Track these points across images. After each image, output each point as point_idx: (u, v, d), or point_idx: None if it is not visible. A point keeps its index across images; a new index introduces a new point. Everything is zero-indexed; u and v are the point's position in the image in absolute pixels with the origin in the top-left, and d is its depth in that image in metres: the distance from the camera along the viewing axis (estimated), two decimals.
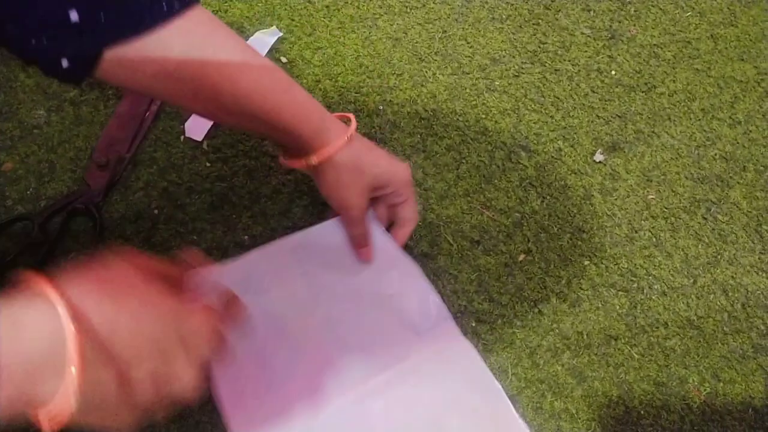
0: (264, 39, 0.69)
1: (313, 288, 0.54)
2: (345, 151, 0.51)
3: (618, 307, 0.59)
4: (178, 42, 0.42)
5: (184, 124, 0.62)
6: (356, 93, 0.68)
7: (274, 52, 0.69)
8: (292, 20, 0.72)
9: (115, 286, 0.34)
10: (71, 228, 0.56)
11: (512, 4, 0.77)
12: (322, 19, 0.73)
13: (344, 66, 0.70)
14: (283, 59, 0.69)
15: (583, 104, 0.70)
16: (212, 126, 0.63)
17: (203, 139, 0.62)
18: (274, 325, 0.52)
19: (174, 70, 0.43)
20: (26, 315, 0.30)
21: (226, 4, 0.72)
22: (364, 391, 0.50)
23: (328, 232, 0.56)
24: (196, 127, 0.62)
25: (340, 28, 0.72)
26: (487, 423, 0.51)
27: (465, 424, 0.50)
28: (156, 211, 0.58)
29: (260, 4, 0.73)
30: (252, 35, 0.69)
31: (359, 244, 0.55)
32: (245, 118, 0.47)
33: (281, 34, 0.70)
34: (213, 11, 0.71)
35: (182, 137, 0.62)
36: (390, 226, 0.57)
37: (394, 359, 0.52)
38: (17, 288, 0.31)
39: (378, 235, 0.56)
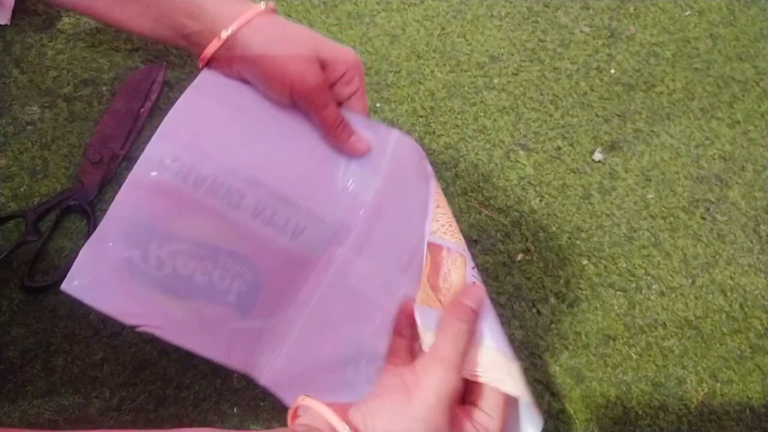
0: None
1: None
2: (270, 16, 0.42)
3: (616, 307, 0.59)
4: None
5: None
6: None
7: None
8: (289, 16, 0.71)
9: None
10: (64, 225, 0.56)
11: (511, 2, 0.76)
12: (320, 15, 0.72)
13: None
14: None
15: (582, 103, 0.70)
16: None
17: None
18: None
19: None
20: None
21: None
22: None
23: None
24: None
25: (337, 24, 0.72)
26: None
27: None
28: None
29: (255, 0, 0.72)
30: None
31: (339, 133, 0.44)
32: (134, 3, 0.41)
33: None
34: None
35: None
36: None
37: None
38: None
39: None
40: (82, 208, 0.55)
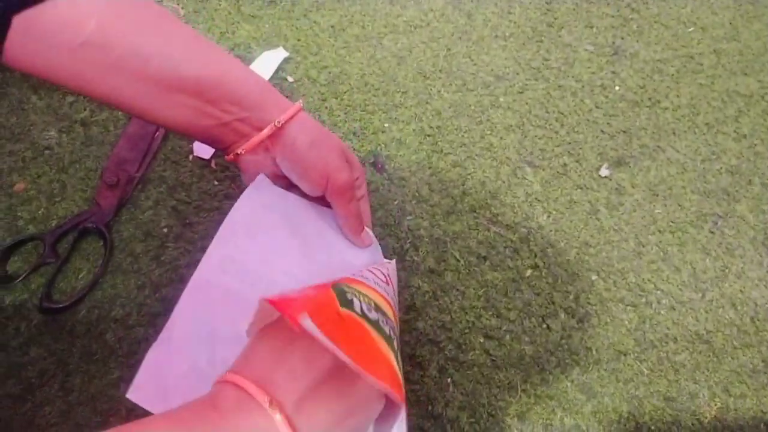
0: (271, 59, 0.70)
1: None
2: (304, 113, 0.46)
3: (627, 322, 0.59)
4: (96, 3, 0.38)
5: (192, 144, 0.63)
6: (362, 111, 0.69)
7: (280, 72, 0.70)
8: (298, 40, 0.73)
9: (325, 385, 0.33)
10: (82, 247, 0.57)
11: (515, 22, 0.77)
12: (328, 39, 0.74)
13: (350, 84, 0.70)
14: (290, 78, 0.70)
15: (588, 120, 0.71)
16: None
17: (211, 158, 0.63)
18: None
19: (92, 36, 0.38)
20: None
21: (233, 26, 0.73)
22: None
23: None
24: (205, 146, 0.63)
25: (345, 47, 0.73)
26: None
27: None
28: (165, 230, 0.58)
29: (267, 25, 0.74)
30: (259, 55, 0.70)
31: (356, 226, 0.47)
32: (179, 92, 0.42)
33: (287, 54, 0.71)
34: (220, 32, 0.72)
35: (190, 156, 0.63)
36: None
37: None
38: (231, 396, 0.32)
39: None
40: (99, 230, 0.56)
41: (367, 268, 0.47)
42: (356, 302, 0.38)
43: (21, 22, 0.37)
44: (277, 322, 0.37)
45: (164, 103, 0.42)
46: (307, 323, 0.31)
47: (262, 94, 0.45)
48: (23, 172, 0.60)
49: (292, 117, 0.45)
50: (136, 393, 0.40)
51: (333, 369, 0.34)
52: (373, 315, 0.38)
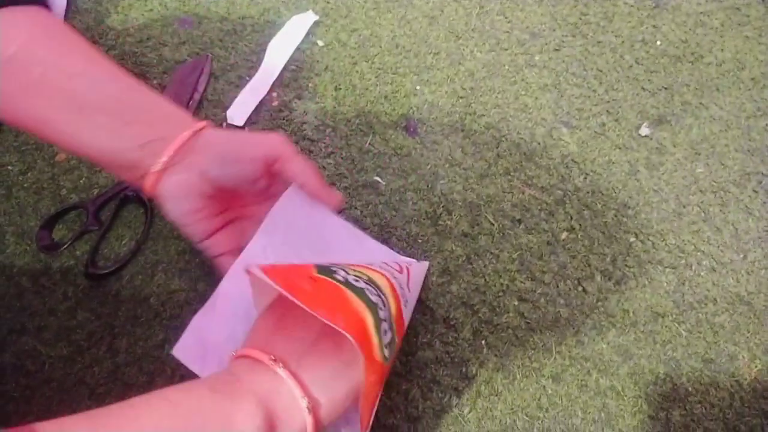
0: (300, 23, 0.70)
1: None
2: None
3: (665, 284, 0.58)
4: (20, 25, 0.40)
5: (225, 112, 0.64)
6: (393, 73, 0.68)
7: (310, 36, 0.70)
8: (328, 3, 0.72)
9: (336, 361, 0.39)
10: (123, 215, 0.58)
11: None
12: (357, 0, 0.72)
13: (380, 47, 0.69)
14: (320, 42, 0.69)
15: (628, 77, 0.69)
16: (252, 112, 0.64)
17: (244, 125, 0.63)
18: None
19: (16, 53, 0.40)
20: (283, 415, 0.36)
21: None
22: None
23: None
24: (238, 114, 0.63)
25: (375, 8, 0.72)
26: None
27: None
28: None
29: None
30: (288, 20, 0.70)
31: (320, 179, 0.47)
32: (99, 113, 0.43)
33: (317, 17, 0.71)
34: None
35: (224, 124, 0.63)
36: None
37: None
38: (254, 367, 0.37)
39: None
40: (139, 198, 0.58)
41: (383, 261, 0.51)
42: (341, 273, 0.41)
43: None
44: (274, 301, 0.42)
45: (84, 125, 0.43)
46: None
47: (176, 114, 0.46)
48: None
49: (204, 127, 0.46)
50: (180, 352, 0.45)
51: (324, 329, 0.39)
52: (360, 284, 0.41)
